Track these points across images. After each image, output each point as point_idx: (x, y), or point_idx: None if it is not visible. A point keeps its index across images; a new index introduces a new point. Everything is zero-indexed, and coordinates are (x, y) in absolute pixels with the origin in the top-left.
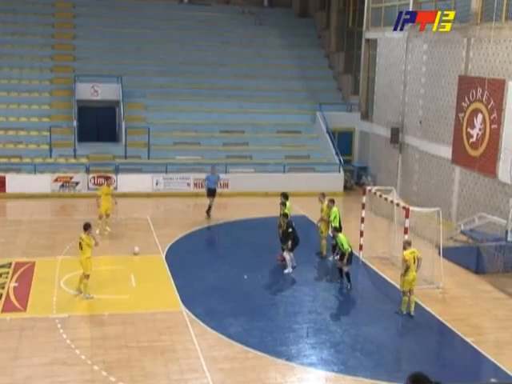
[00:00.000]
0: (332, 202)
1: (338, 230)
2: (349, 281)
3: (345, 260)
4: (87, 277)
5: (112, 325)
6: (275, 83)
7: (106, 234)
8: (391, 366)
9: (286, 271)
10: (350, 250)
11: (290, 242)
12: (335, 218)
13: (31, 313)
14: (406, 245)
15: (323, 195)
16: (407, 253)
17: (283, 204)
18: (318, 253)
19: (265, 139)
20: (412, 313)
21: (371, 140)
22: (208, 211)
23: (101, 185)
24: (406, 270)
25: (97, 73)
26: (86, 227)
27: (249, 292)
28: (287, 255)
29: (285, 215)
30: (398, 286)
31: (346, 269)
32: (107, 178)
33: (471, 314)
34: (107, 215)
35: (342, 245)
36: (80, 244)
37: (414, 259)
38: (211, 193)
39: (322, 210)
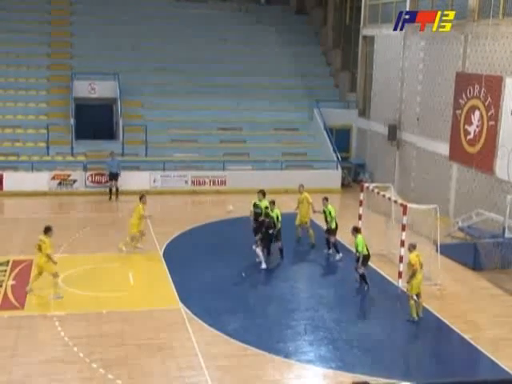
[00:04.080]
0: (326, 199)
1: (333, 230)
2: (366, 282)
3: (359, 263)
4: (55, 275)
5: (110, 322)
6: (272, 80)
7: (106, 234)
8: (389, 363)
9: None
10: (366, 252)
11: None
12: (331, 217)
13: (29, 311)
14: (411, 248)
15: (326, 199)
16: (413, 256)
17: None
18: (309, 244)
19: (262, 136)
20: (420, 315)
21: (369, 137)
22: (117, 194)
23: (99, 183)
24: (414, 273)
25: (94, 70)
26: (47, 230)
27: (247, 289)
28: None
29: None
30: (406, 290)
31: (360, 270)
32: (142, 197)
33: (469, 310)
34: (142, 234)
35: (358, 246)
36: (39, 246)
37: (419, 262)
38: (113, 177)
39: (300, 202)
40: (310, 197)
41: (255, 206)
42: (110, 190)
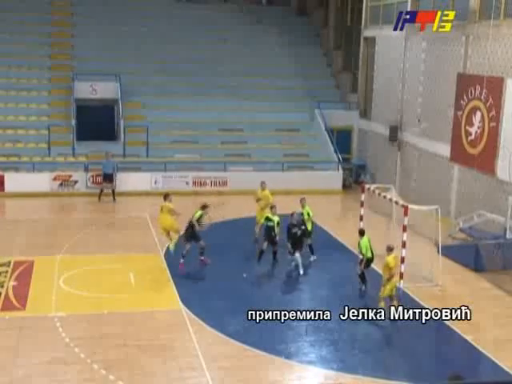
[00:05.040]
0: (303, 199)
1: (309, 232)
2: (363, 282)
3: (362, 265)
4: (177, 231)
5: (111, 323)
6: (274, 81)
7: (108, 235)
8: (390, 364)
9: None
10: (369, 256)
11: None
12: (309, 217)
13: (30, 311)
14: (389, 250)
15: (304, 199)
16: (391, 259)
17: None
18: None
19: (263, 137)
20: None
21: (370, 138)
22: (113, 195)
23: (99, 183)
24: (391, 276)
25: (95, 71)
26: (166, 197)
27: (248, 290)
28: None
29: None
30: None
31: (358, 270)
32: (166, 196)
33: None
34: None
35: (362, 249)
36: (162, 208)
37: (396, 265)
38: (108, 177)
39: (258, 199)
40: (270, 196)
41: (268, 219)
42: (101, 192)
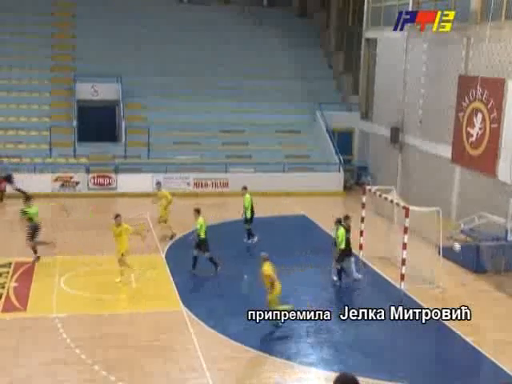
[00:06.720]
0: (245, 188)
1: (249, 220)
2: (339, 278)
3: (336, 259)
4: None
5: (112, 324)
6: (275, 83)
7: (108, 235)
8: (391, 366)
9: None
10: (342, 247)
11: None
12: (246, 207)
13: (31, 312)
14: (262, 260)
15: (245, 188)
16: (266, 268)
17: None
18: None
19: (264, 139)
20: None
21: (371, 140)
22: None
23: (101, 185)
24: (273, 283)
25: (96, 72)
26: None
27: (248, 291)
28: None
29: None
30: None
31: (338, 266)
32: (158, 183)
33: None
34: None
35: (337, 238)
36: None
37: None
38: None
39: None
40: (169, 194)
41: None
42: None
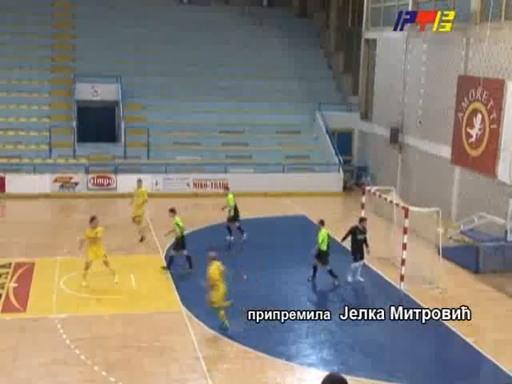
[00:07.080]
0: (227, 188)
1: (233, 218)
2: (335, 276)
3: (319, 260)
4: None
5: (112, 325)
6: (275, 83)
7: (108, 236)
8: (391, 366)
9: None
10: (324, 248)
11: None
12: (230, 206)
13: (31, 313)
14: (210, 260)
15: (227, 188)
16: (213, 269)
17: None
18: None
19: (264, 139)
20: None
21: (371, 140)
22: None
23: (101, 185)
24: (215, 285)
25: (96, 73)
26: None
27: (248, 292)
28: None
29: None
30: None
31: (324, 267)
32: (139, 181)
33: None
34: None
35: (318, 239)
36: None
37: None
38: None
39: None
40: (146, 193)
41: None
42: None
